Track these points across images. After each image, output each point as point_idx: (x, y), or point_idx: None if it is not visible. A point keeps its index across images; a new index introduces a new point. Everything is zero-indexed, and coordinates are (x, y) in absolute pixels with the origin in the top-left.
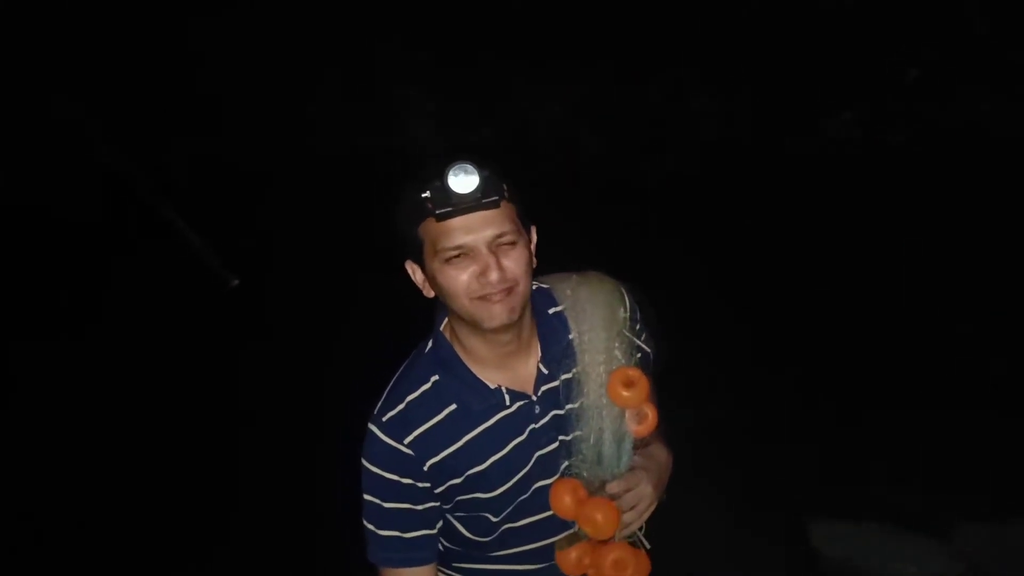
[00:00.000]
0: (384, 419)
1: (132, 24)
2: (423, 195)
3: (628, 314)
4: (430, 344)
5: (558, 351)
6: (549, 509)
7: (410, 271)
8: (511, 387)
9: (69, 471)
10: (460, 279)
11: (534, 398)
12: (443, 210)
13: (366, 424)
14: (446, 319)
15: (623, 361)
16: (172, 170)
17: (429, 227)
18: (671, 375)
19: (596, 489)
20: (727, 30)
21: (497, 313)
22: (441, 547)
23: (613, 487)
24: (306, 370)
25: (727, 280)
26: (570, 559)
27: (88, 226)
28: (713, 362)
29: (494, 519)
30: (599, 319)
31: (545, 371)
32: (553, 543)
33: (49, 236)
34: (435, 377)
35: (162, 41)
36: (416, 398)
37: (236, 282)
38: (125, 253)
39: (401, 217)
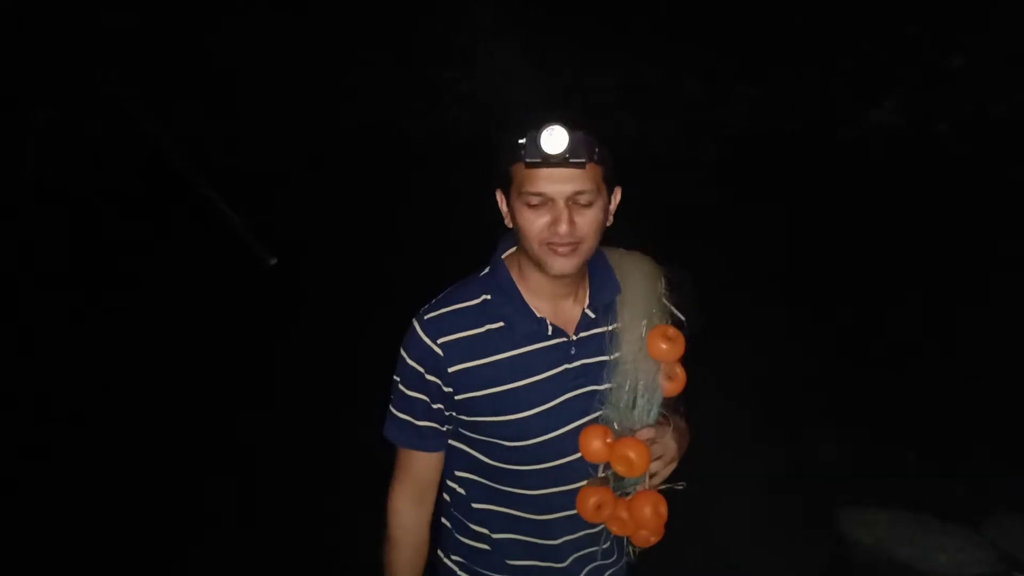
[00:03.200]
0: (425, 317)
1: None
2: (519, 140)
3: (664, 288)
4: (486, 270)
5: (604, 303)
6: (567, 456)
7: (499, 200)
8: (554, 322)
9: (103, 444)
10: (535, 223)
11: (573, 338)
12: (532, 160)
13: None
14: (510, 249)
15: (661, 321)
16: (207, 150)
17: (519, 169)
18: (704, 361)
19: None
20: (769, 17)
21: (559, 264)
22: (463, 491)
23: (643, 434)
24: (339, 350)
25: (762, 265)
26: (589, 504)
27: (129, 200)
28: (748, 346)
29: (511, 444)
30: (640, 284)
31: (592, 315)
32: (568, 491)
33: (91, 210)
34: (485, 296)
35: (201, 22)
36: (460, 308)
37: (274, 261)
38: (166, 230)
39: (499, 152)
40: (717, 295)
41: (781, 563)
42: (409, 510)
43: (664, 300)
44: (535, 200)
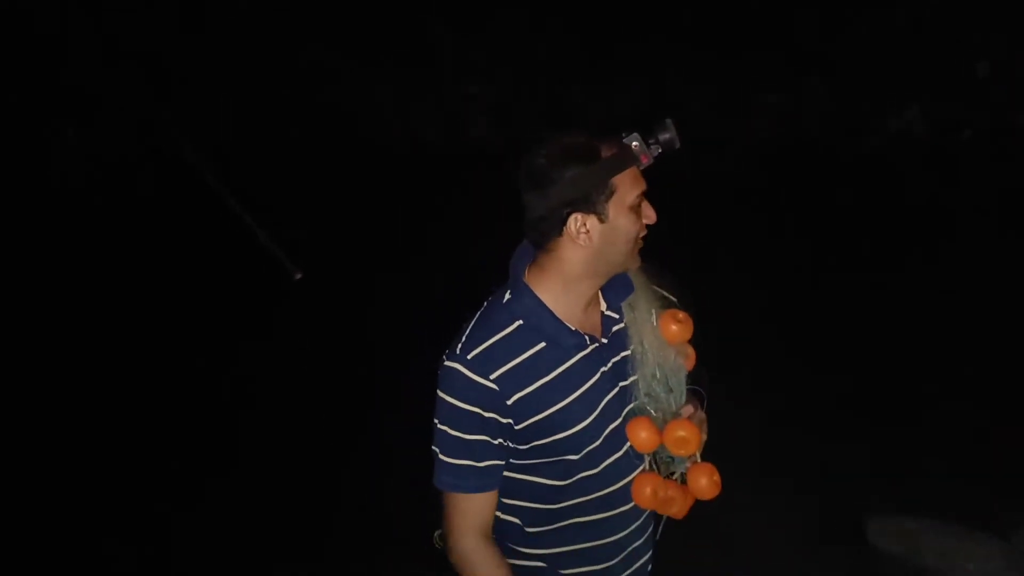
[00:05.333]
0: (469, 357)
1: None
2: (634, 144)
3: (648, 277)
4: (508, 295)
5: (617, 302)
6: (614, 454)
7: (573, 222)
8: (586, 332)
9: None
10: (637, 222)
11: (604, 342)
12: (653, 154)
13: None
14: (525, 270)
15: (663, 308)
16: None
17: (626, 177)
18: (729, 371)
19: (664, 423)
20: (790, 26)
21: (638, 256)
22: (516, 520)
23: (685, 411)
24: (364, 364)
25: (788, 274)
26: (646, 492)
27: (155, 212)
28: (770, 356)
29: (575, 457)
30: (637, 279)
31: (612, 316)
32: (617, 489)
33: (117, 223)
34: (519, 322)
35: (222, 35)
36: (501, 338)
37: (300, 275)
38: (191, 242)
39: (592, 171)
40: (741, 303)
41: (805, 571)
42: (483, 547)
43: (655, 288)
44: (640, 200)
